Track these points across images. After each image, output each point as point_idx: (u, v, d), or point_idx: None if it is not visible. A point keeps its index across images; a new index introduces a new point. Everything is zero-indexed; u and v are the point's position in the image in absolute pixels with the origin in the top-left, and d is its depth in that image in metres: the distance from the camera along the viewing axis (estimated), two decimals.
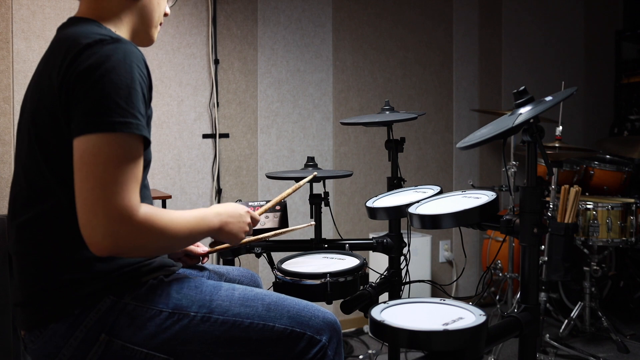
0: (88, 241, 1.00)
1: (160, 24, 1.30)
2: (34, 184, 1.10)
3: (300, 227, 1.57)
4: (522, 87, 1.38)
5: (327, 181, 2.40)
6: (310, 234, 1.97)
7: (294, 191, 1.55)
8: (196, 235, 1.18)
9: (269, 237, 1.56)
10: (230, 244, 1.39)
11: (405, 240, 1.92)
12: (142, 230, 1.02)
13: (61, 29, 1.19)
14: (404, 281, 1.90)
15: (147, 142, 1.07)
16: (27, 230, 1.11)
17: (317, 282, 1.49)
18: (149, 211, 1.04)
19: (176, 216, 1.11)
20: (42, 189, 1.09)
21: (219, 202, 2.85)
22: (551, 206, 2.74)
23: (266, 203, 1.60)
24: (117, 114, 1.00)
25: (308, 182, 1.65)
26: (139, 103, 1.03)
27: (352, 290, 1.55)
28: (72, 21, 1.18)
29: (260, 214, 1.43)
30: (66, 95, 1.03)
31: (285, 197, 1.56)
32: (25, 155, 1.12)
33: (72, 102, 1.02)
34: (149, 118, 1.12)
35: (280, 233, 1.55)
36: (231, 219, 1.27)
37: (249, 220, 1.33)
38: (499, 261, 3.13)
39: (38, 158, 1.09)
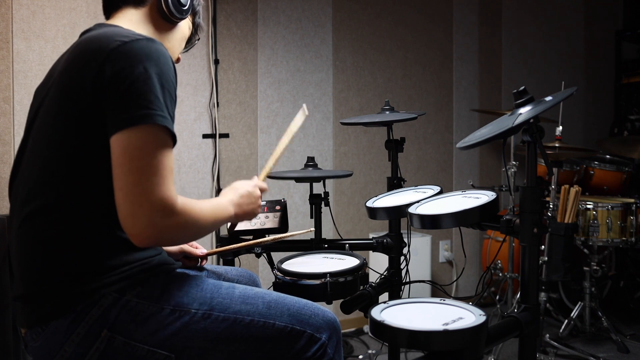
0: (130, 232, 1.03)
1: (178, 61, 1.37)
2: (49, 174, 1.10)
3: (299, 232, 1.65)
4: (522, 87, 1.38)
5: (327, 181, 2.40)
6: (310, 234, 1.97)
7: (290, 141, 1.58)
8: (219, 223, 1.24)
9: (268, 242, 1.61)
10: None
11: (405, 240, 1.92)
12: (181, 221, 1.07)
13: (86, 32, 1.20)
14: (404, 281, 1.90)
15: (174, 140, 1.11)
16: (38, 218, 1.10)
17: (317, 282, 1.49)
18: (184, 201, 1.09)
19: (202, 206, 1.15)
20: (57, 179, 1.10)
21: None
22: (551, 206, 2.74)
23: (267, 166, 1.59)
24: (156, 107, 1.05)
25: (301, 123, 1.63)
26: (171, 102, 1.10)
27: (352, 290, 1.55)
28: (99, 25, 1.20)
29: (262, 179, 1.48)
30: (100, 95, 1.05)
31: (282, 153, 1.58)
32: (45, 146, 1.12)
33: (109, 100, 1.04)
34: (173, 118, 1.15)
35: (279, 239, 1.60)
36: (243, 200, 1.32)
37: (259, 193, 1.38)
38: (499, 261, 3.13)
39: (57, 150, 1.10)
